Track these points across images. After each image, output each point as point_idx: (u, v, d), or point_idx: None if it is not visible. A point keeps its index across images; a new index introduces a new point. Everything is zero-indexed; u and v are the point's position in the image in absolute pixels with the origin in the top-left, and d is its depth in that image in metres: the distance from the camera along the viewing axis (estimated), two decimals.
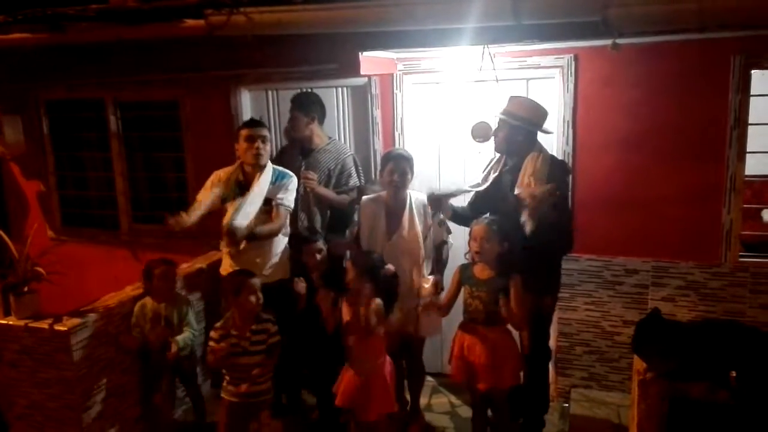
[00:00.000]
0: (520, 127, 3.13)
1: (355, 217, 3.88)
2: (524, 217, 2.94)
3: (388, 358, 3.12)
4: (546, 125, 3.22)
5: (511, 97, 3.25)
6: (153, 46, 3.81)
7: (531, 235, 2.94)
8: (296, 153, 3.91)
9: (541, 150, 3.15)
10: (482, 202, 3.31)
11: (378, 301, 2.94)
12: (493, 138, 3.26)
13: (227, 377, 3.10)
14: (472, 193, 3.40)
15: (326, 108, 4.02)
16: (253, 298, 3.04)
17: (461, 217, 3.38)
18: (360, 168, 3.95)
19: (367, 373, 3.02)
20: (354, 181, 3.89)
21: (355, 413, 3.07)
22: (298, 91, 4.10)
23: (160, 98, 4.59)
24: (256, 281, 3.09)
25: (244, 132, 3.49)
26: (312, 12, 3.07)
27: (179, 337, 3.32)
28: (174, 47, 3.87)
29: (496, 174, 3.28)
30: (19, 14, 3.61)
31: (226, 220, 3.35)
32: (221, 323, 3.10)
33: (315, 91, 4.14)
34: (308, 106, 3.85)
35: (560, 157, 3.63)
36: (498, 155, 3.32)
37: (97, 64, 4.41)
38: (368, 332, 2.96)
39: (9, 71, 4.64)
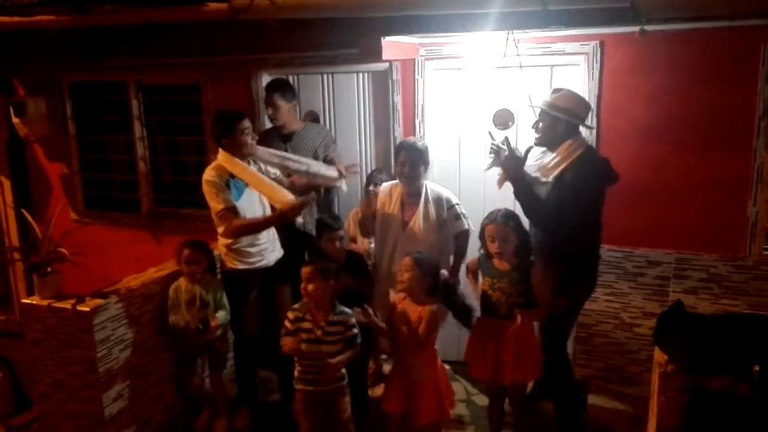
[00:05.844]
0: (560, 118, 3.04)
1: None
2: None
3: (440, 362, 3.09)
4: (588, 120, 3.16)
5: (554, 90, 3.15)
6: (176, 30, 3.81)
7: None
8: (277, 140, 3.86)
9: (581, 142, 3.07)
10: None
11: (433, 307, 2.90)
12: (535, 130, 3.15)
13: (299, 366, 3.04)
14: None
15: (346, 93, 4.02)
16: (310, 287, 2.95)
17: (525, 192, 3.04)
18: None
19: (422, 380, 2.98)
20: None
21: (405, 418, 3.03)
22: (273, 77, 4.05)
23: (182, 82, 4.60)
24: (305, 269, 2.99)
25: (243, 127, 3.34)
26: None
27: (218, 314, 3.39)
28: (197, 31, 3.87)
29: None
30: None
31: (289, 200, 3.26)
32: (299, 305, 3.05)
33: (336, 75, 4.12)
34: (288, 92, 3.84)
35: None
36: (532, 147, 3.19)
37: (120, 46, 4.44)
38: (424, 344, 2.92)
39: (33, 53, 4.69)
